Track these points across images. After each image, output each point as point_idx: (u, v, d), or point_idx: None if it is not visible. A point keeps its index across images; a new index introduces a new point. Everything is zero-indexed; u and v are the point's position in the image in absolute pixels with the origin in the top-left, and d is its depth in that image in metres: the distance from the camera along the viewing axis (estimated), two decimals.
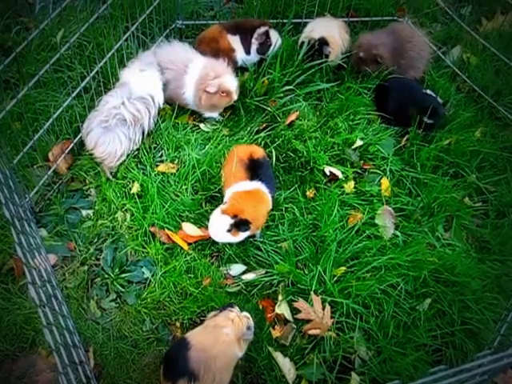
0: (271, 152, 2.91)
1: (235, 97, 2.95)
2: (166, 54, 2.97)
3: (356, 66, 3.22)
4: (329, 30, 3.15)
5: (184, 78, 2.92)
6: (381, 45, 3.14)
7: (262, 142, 2.96)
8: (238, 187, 2.57)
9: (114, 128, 2.69)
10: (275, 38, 3.17)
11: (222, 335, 2.15)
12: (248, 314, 2.31)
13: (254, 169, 2.64)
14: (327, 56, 3.13)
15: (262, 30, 3.13)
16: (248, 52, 3.15)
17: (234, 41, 3.12)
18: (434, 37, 3.54)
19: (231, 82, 2.90)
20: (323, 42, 3.11)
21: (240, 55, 3.15)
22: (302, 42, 3.17)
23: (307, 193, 2.84)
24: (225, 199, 2.57)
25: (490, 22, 3.63)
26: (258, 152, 2.74)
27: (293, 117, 3.04)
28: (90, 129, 2.70)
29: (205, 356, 2.10)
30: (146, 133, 2.84)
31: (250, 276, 2.58)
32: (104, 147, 2.68)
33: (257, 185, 2.59)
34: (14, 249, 1.95)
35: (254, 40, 3.13)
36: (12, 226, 1.78)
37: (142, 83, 2.80)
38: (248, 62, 3.17)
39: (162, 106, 2.91)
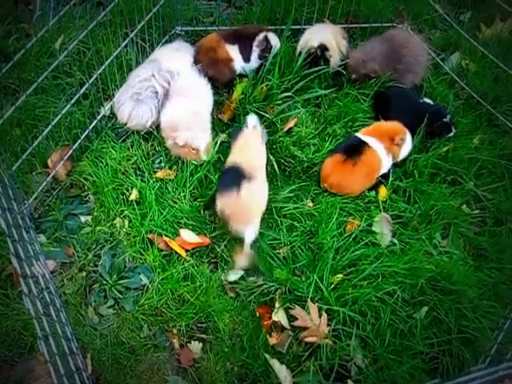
0: (270, 158, 2.92)
1: (203, 157, 2.80)
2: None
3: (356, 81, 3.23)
4: (325, 36, 3.14)
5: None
6: (370, 59, 3.13)
7: None
8: None
9: (145, 100, 2.78)
10: (275, 39, 3.17)
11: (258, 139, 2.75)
12: (254, 120, 2.80)
13: None
14: (328, 61, 3.13)
15: (262, 36, 3.13)
16: (247, 60, 3.14)
17: (232, 50, 3.10)
18: (432, 43, 3.54)
19: (201, 140, 2.75)
20: (324, 48, 3.11)
21: (238, 64, 3.13)
22: (300, 52, 3.16)
23: (305, 199, 2.84)
24: None
25: (489, 28, 3.62)
26: None
27: (291, 123, 3.04)
28: (122, 102, 2.79)
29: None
30: None
31: (247, 283, 2.58)
32: (137, 120, 2.80)
33: None
34: None
35: (254, 48, 3.12)
36: (8, 238, 1.77)
37: (172, 59, 2.95)
38: (247, 69, 3.17)
39: None
